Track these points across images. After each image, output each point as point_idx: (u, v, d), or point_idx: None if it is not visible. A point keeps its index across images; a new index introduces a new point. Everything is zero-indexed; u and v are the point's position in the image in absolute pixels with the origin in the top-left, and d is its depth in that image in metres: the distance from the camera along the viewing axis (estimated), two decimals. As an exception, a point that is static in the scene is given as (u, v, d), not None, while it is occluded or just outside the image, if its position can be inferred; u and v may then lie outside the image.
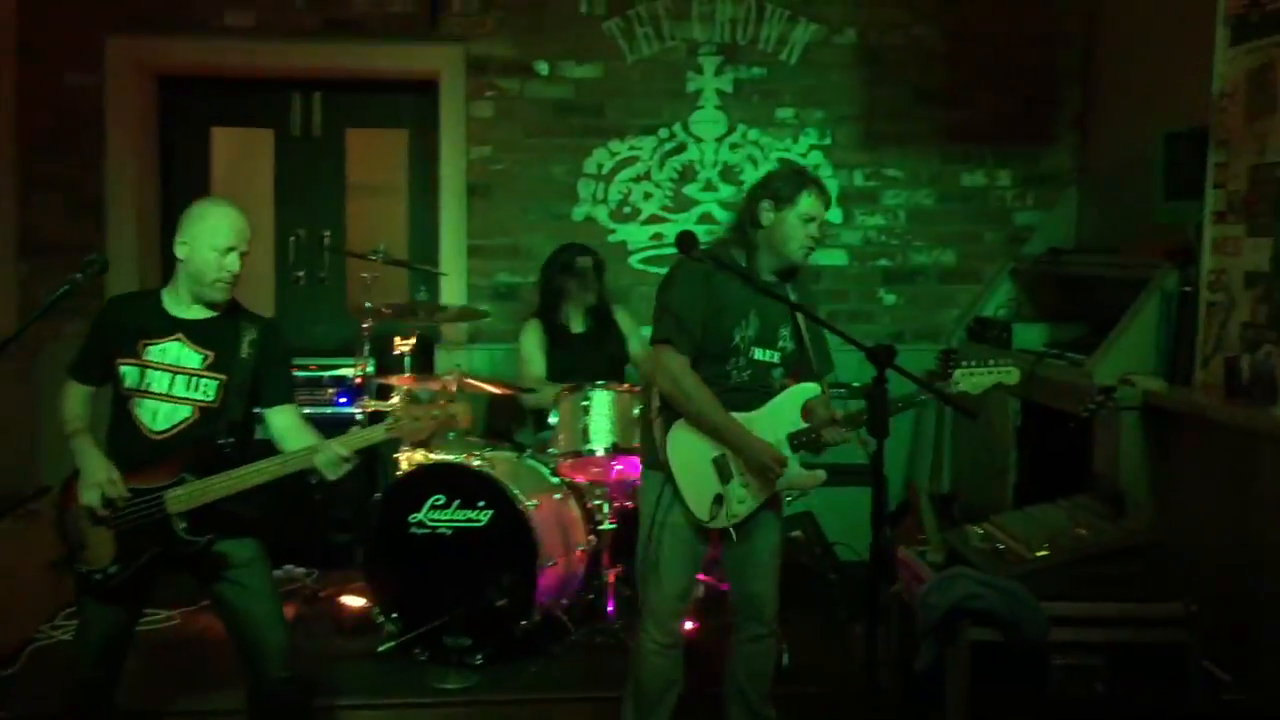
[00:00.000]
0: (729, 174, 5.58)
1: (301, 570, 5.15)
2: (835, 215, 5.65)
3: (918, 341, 5.65)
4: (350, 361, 5.02)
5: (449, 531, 4.22)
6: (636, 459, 4.02)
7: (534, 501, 4.22)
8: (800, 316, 3.36)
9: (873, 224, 5.70)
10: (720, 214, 5.54)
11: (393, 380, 4.68)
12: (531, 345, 4.95)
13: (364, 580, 4.39)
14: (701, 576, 4.20)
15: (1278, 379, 3.45)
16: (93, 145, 5.34)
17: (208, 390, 3.19)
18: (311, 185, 5.72)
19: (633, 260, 5.52)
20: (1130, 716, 3.35)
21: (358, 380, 4.94)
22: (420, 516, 4.24)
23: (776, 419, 3.32)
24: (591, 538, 4.48)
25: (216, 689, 3.87)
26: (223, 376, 3.21)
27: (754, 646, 3.44)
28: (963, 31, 5.59)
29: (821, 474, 3.42)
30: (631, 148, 5.56)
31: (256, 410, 3.28)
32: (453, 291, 5.52)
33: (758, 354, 3.32)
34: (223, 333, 3.23)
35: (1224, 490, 3.82)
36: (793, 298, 3.35)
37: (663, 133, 5.57)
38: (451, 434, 4.46)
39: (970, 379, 3.23)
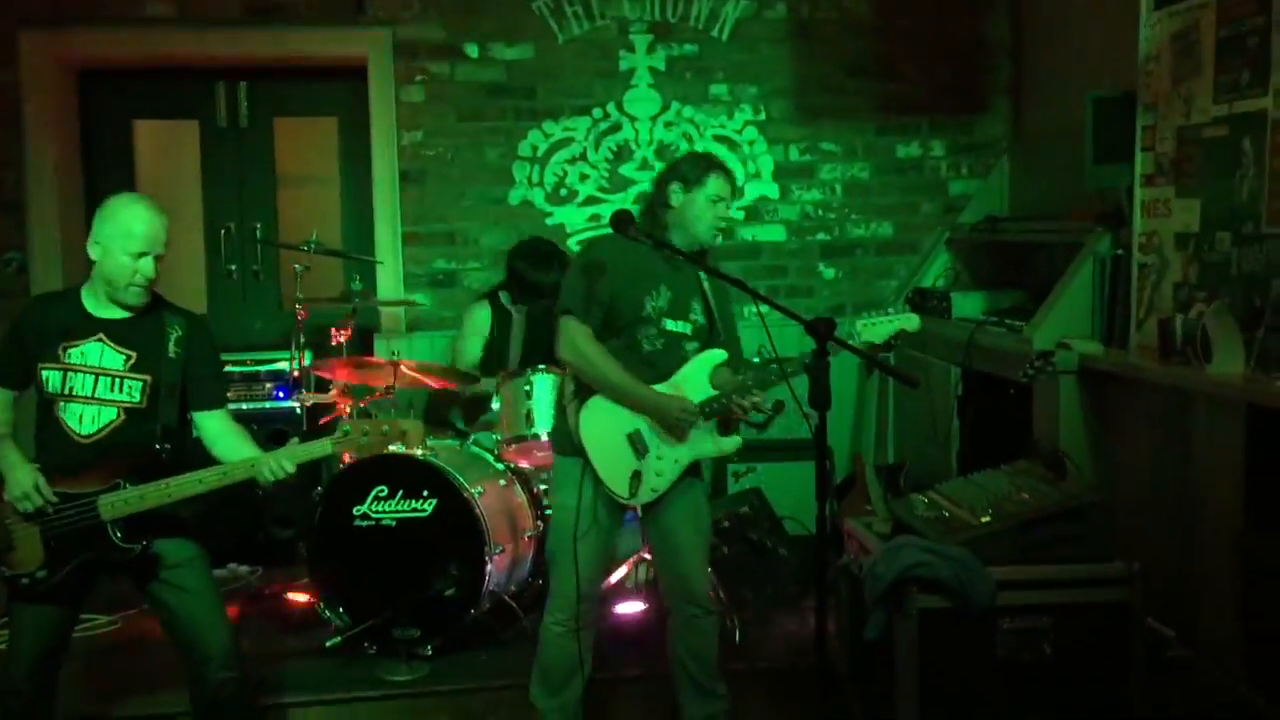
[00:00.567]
0: (665, 152, 5.56)
1: (245, 568, 5.09)
2: (772, 190, 5.67)
3: (859, 314, 5.63)
4: (287, 355, 4.95)
5: (393, 523, 4.18)
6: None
7: (479, 489, 4.20)
8: (711, 293, 3.44)
9: (810, 198, 5.71)
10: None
11: (329, 370, 4.63)
12: (476, 328, 4.90)
13: (309, 576, 4.34)
14: (646, 554, 4.20)
15: (1210, 338, 3.50)
16: (10, 142, 5.21)
17: (132, 391, 3.12)
18: (241, 177, 5.64)
19: (571, 243, 5.49)
20: (1078, 676, 3.39)
21: (295, 374, 4.88)
22: (364, 509, 4.20)
23: (686, 388, 3.37)
24: (538, 523, 4.47)
25: (160, 691, 3.81)
26: (147, 377, 3.13)
27: (692, 627, 3.47)
28: (893, 3, 5.61)
29: (737, 439, 3.47)
30: (566, 129, 5.53)
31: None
32: (389, 280, 5.47)
33: (669, 324, 3.38)
34: (146, 332, 3.16)
35: (1161, 450, 3.88)
36: (706, 288, 3.43)
37: (597, 113, 5.54)
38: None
39: (873, 329, 3.33)
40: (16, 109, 5.20)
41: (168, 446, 3.11)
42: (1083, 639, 3.39)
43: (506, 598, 4.31)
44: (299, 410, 4.99)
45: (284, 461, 3.03)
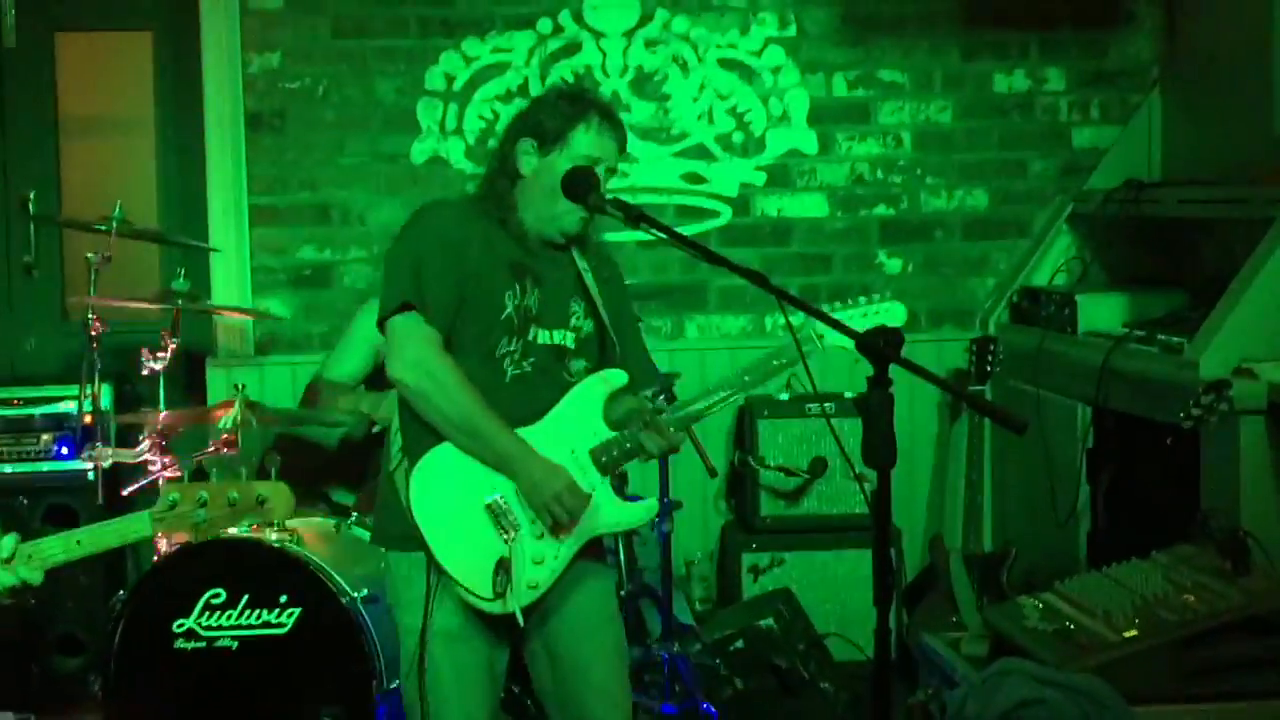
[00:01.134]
0: (645, 85, 5.58)
1: (11, 716, 5.04)
2: (808, 141, 5.68)
3: (937, 327, 5.70)
4: (74, 391, 4.93)
5: (234, 644, 4.17)
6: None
7: (364, 591, 4.18)
8: (596, 288, 3.40)
9: (864, 153, 5.72)
10: (633, 145, 5.52)
11: (141, 417, 4.60)
12: (368, 335, 4.86)
13: (105, 723, 4.31)
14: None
15: None
16: None
17: None
18: (5, 120, 5.63)
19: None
20: None
21: (86, 418, 4.85)
22: (189, 623, 4.17)
23: (567, 428, 3.31)
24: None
25: None
26: None
27: None
28: None
29: (652, 503, 3.43)
30: (497, 50, 5.53)
31: None
32: (229, 277, 5.48)
33: (541, 336, 3.33)
34: None
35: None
36: (590, 281, 3.38)
37: (543, 25, 5.55)
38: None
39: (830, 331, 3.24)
40: None
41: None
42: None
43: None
44: (92, 474, 4.94)
45: (57, 554, 2.94)
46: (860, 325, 3.29)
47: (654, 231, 3.23)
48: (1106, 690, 3.41)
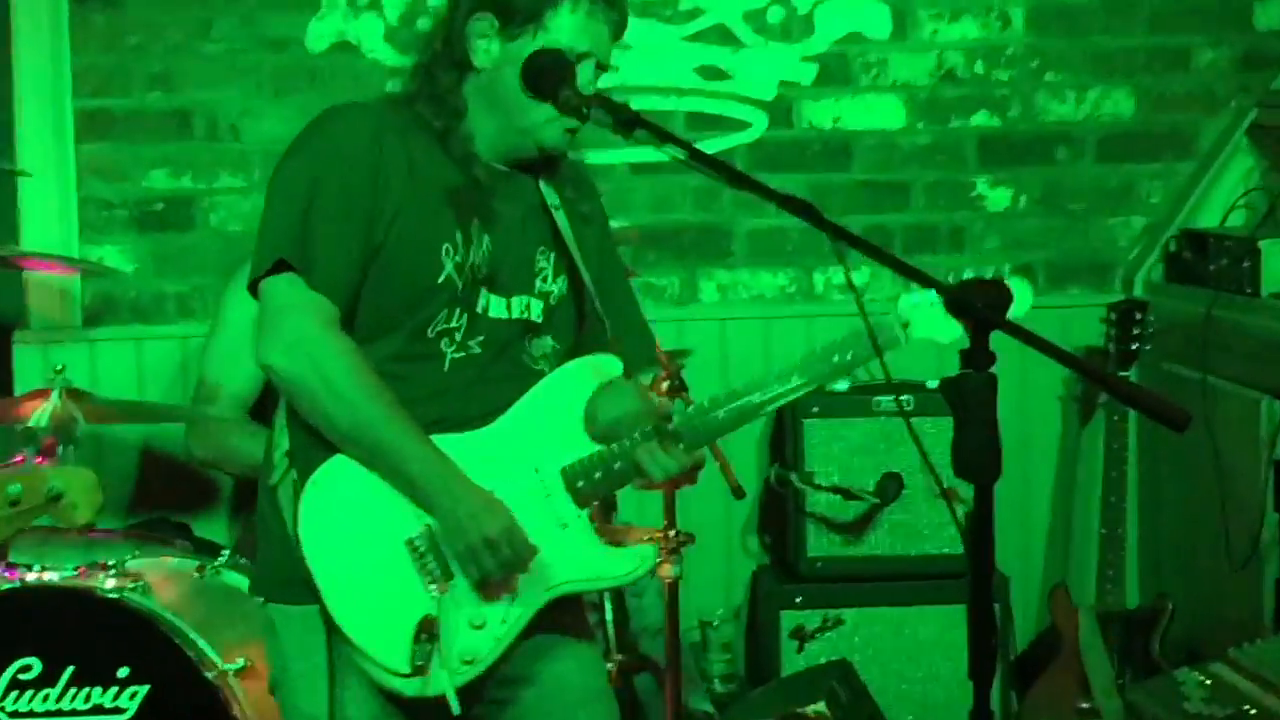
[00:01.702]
0: (643, -62, 5.63)
1: None
2: (876, 23, 5.70)
3: (1060, 286, 5.76)
4: None
5: (54, 736, 4.24)
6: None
7: (240, 660, 4.24)
8: (573, 240, 3.39)
9: (957, 37, 5.78)
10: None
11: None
12: (242, 322, 4.89)
13: None
14: None
15: None
16: None
17: None
18: None
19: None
20: None
21: None
22: (-11, 707, 4.23)
23: (529, 437, 3.30)
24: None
25: None
26: None
27: None
28: None
29: (648, 551, 3.37)
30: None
31: None
32: (45, 215, 5.53)
33: (494, 305, 3.32)
34: None
35: None
36: (563, 222, 3.37)
37: None
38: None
39: (933, 318, 3.18)
40: None
41: None
42: None
43: None
44: None
45: None
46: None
47: (658, 146, 3.23)
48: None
